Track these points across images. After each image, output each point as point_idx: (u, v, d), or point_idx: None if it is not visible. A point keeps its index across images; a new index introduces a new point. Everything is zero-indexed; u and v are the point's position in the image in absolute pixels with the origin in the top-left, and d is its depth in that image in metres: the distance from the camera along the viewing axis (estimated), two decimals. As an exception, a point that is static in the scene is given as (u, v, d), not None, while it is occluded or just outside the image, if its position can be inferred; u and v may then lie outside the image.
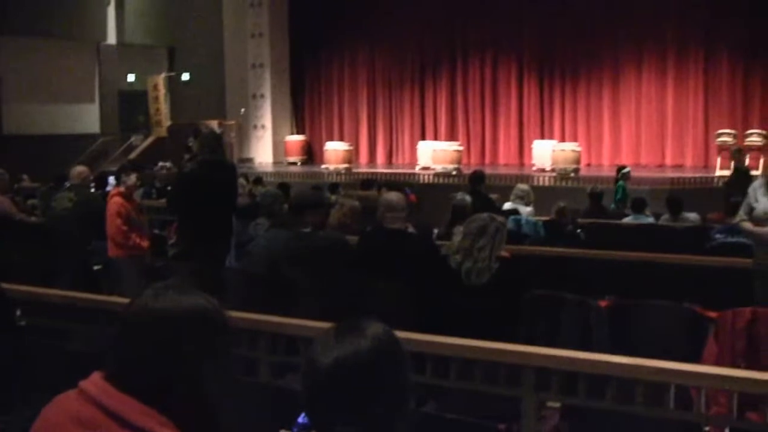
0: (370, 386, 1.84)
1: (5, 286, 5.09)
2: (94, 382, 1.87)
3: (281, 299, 5.72)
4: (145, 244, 8.91)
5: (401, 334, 2.01)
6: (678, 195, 12.53)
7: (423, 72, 23.98)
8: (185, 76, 25.32)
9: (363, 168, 22.56)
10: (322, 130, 25.36)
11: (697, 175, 18.00)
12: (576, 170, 19.12)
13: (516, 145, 22.65)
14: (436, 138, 23.02)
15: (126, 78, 26.23)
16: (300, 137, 25.22)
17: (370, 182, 14.69)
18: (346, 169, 21.73)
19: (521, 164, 22.04)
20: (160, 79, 24.58)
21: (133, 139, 25.17)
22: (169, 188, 12.06)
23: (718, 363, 4.61)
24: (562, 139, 21.22)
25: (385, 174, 20.02)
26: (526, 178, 17.60)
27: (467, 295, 5.01)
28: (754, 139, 18.10)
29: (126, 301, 2.00)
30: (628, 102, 21.25)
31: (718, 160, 18.24)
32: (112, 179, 13.25)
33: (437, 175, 19.79)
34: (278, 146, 25.04)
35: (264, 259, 6.54)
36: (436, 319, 4.99)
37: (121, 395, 1.82)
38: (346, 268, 6.19)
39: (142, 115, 25.81)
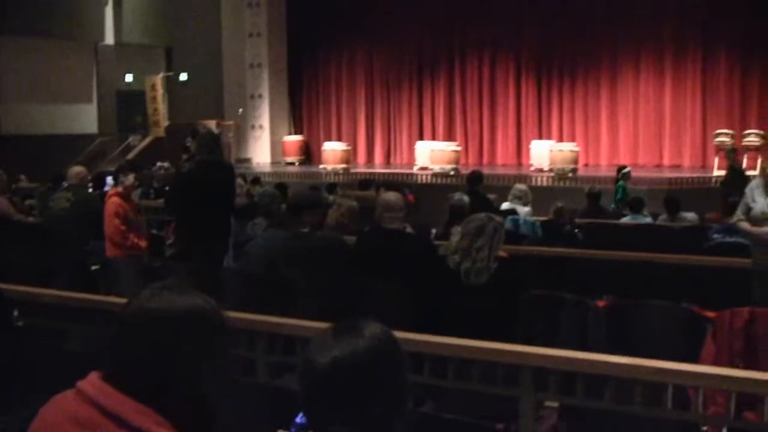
0: (367, 386, 1.84)
1: (3, 286, 5.09)
2: (92, 382, 1.87)
3: (279, 299, 5.72)
4: (143, 244, 8.90)
5: (399, 334, 2.01)
6: (676, 195, 12.54)
7: (421, 72, 24.00)
8: (183, 76, 25.30)
9: (361, 168, 22.58)
10: (320, 130, 25.37)
11: (694, 175, 18.01)
12: (574, 170, 19.14)
13: (514, 145, 22.67)
14: (434, 138, 23.05)
15: (124, 78, 26.22)
16: (298, 137, 25.23)
17: (368, 182, 14.69)
18: (344, 169, 21.74)
19: (519, 164, 22.07)
20: (158, 79, 24.58)
21: (130, 139, 25.16)
22: (167, 188, 12.06)
23: (715, 363, 4.61)
24: (560, 139, 21.24)
25: (383, 174, 20.02)
26: (524, 178, 17.60)
27: (466, 295, 5.01)
28: (752, 139, 18.13)
29: (123, 301, 2.00)
30: (626, 102, 21.28)
31: (716, 160, 18.27)
32: (109, 179, 13.23)
33: (435, 175, 19.80)
34: (276, 146, 25.05)
35: (262, 259, 6.54)
36: (434, 319, 4.99)
37: (119, 395, 1.82)
38: (344, 268, 6.19)
39: (139, 116, 25.79)
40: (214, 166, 7.75)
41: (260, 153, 25.33)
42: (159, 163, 22.01)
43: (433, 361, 4.25)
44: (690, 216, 11.29)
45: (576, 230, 10.33)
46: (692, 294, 5.93)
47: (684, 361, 3.92)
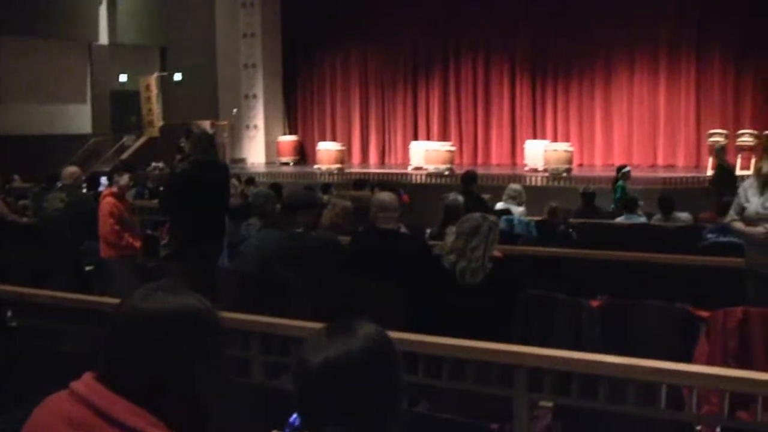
0: (361, 386, 1.83)
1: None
2: (85, 383, 1.87)
3: (273, 299, 5.72)
4: (137, 244, 8.89)
5: (393, 334, 2.01)
6: (670, 195, 12.56)
7: (415, 72, 24.00)
8: (177, 77, 25.28)
9: (355, 168, 22.57)
10: (315, 131, 25.36)
11: (688, 174, 18.05)
12: (568, 170, 19.16)
13: (508, 145, 22.69)
14: (428, 138, 23.05)
15: (118, 78, 26.18)
16: (292, 137, 25.21)
17: (362, 182, 14.69)
18: (339, 169, 21.73)
19: (513, 164, 22.08)
20: (153, 80, 24.55)
21: (125, 139, 25.12)
22: (161, 189, 12.04)
23: (709, 362, 4.62)
24: (555, 139, 21.26)
25: (378, 174, 20.02)
26: (518, 178, 17.61)
27: (461, 294, 5.02)
28: (746, 139, 18.17)
29: (118, 301, 2.00)
30: (620, 102, 21.32)
31: (710, 160, 18.28)
32: (104, 179, 13.22)
33: (430, 175, 19.80)
34: (270, 146, 25.03)
35: (256, 259, 6.54)
36: (428, 319, 4.99)
37: (112, 396, 1.82)
38: (339, 268, 6.20)
39: (134, 116, 25.75)
40: (209, 167, 7.75)
41: (255, 153, 25.32)
42: (153, 164, 21.98)
43: (428, 361, 4.25)
44: (684, 216, 11.30)
45: (570, 230, 10.34)
46: (686, 294, 5.93)
47: (678, 361, 3.93)
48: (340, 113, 25.12)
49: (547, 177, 18.84)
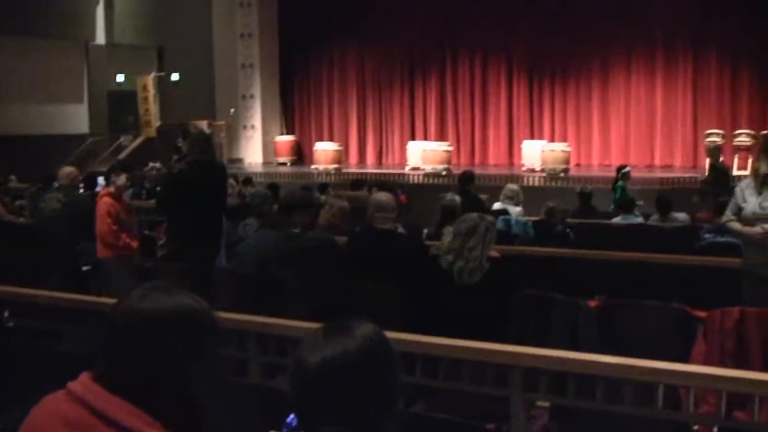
0: (358, 386, 1.84)
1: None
2: (82, 383, 1.87)
3: (271, 300, 5.72)
4: (134, 244, 8.89)
5: (390, 334, 2.01)
6: (667, 195, 12.56)
7: (413, 72, 24.00)
8: (175, 77, 25.26)
9: (353, 168, 22.57)
10: (312, 131, 25.36)
11: (686, 175, 18.06)
12: (565, 170, 19.18)
13: (505, 146, 22.69)
14: (425, 138, 23.06)
15: (115, 78, 26.15)
16: (289, 137, 25.21)
17: (359, 182, 14.68)
18: (336, 169, 21.74)
19: (511, 164, 22.09)
20: (150, 80, 24.52)
21: (122, 139, 25.09)
22: (158, 189, 12.04)
23: (706, 362, 4.62)
24: (552, 140, 21.27)
25: (375, 174, 20.02)
26: (515, 179, 17.63)
27: (459, 294, 5.02)
28: (743, 139, 18.18)
29: (114, 302, 2.00)
30: (618, 102, 21.34)
31: (708, 160, 18.29)
32: (101, 180, 13.20)
33: (427, 175, 19.81)
34: (268, 146, 25.03)
35: (253, 259, 6.54)
36: (425, 319, 4.99)
37: (109, 396, 1.82)
38: (336, 268, 6.19)
39: (131, 116, 25.71)
40: (206, 167, 7.74)
41: (252, 153, 25.31)
42: (151, 164, 21.95)
43: (425, 361, 4.25)
44: (681, 216, 11.31)
45: (567, 230, 10.35)
46: (683, 294, 5.92)
47: (675, 361, 3.93)
48: (337, 113, 25.12)
49: (544, 177, 18.86)
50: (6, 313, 5.55)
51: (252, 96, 25.25)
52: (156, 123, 24.30)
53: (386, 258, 5.92)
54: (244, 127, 25.34)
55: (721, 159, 17.51)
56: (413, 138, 23.24)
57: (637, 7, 20.56)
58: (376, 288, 5.56)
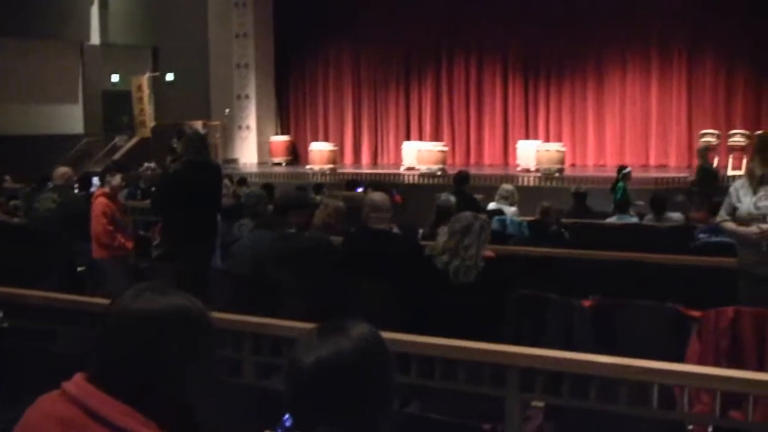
0: (353, 387, 1.83)
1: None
2: (77, 383, 1.87)
3: (266, 300, 5.72)
4: (129, 245, 8.88)
5: (386, 334, 2.01)
6: (662, 195, 12.56)
7: (408, 72, 24.00)
8: (169, 77, 25.23)
9: (348, 168, 22.56)
10: (307, 131, 25.34)
11: (681, 175, 18.08)
12: (560, 170, 19.19)
13: (501, 146, 22.70)
14: (421, 138, 23.04)
15: (110, 78, 26.13)
16: (285, 138, 25.18)
17: (355, 183, 14.68)
18: (331, 169, 21.72)
19: (506, 164, 22.09)
20: (144, 80, 24.50)
21: (117, 139, 25.05)
22: (153, 189, 12.02)
23: (701, 362, 4.63)
24: (547, 140, 21.28)
25: (370, 174, 20.01)
26: (510, 179, 17.61)
27: (455, 293, 5.03)
28: (737, 139, 18.20)
29: (109, 302, 2.00)
30: (613, 102, 21.36)
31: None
32: (96, 180, 13.19)
33: (422, 175, 19.80)
34: (263, 147, 25.01)
35: (249, 259, 6.54)
36: (421, 319, 5.00)
37: (104, 396, 1.82)
38: (331, 268, 6.19)
39: (126, 116, 25.70)
40: (201, 167, 7.73)
41: (247, 153, 25.29)
42: (146, 164, 21.93)
43: (420, 362, 4.25)
44: (676, 216, 11.32)
45: (563, 230, 10.34)
46: (678, 293, 5.93)
47: (670, 361, 3.94)
48: (332, 113, 25.11)
49: (539, 177, 18.87)
50: (0, 314, 5.54)
51: (247, 96, 25.23)
52: (151, 123, 24.27)
53: (381, 258, 5.92)
54: (239, 127, 25.32)
55: (717, 159, 17.62)
56: (408, 138, 23.23)
57: (632, 8, 20.57)
58: (371, 288, 5.56)
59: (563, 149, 19.92)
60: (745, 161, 16.78)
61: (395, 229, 6.87)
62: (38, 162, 17.94)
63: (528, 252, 8.22)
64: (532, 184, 18.31)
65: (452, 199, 8.99)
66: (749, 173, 6.28)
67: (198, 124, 21.10)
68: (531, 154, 19.98)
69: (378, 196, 6.43)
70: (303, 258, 6.17)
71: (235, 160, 24.80)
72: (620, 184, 14.33)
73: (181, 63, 25.19)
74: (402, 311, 5.21)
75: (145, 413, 1.81)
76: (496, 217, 10.12)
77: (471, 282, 5.07)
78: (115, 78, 26.23)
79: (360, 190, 13.23)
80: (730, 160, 17.86)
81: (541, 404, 4.38)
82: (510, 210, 11.02)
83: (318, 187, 15.08)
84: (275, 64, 25.60)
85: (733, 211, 6.23)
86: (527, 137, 21.68)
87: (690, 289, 6.38)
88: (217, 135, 23.13)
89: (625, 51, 21.06)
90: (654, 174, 18.84)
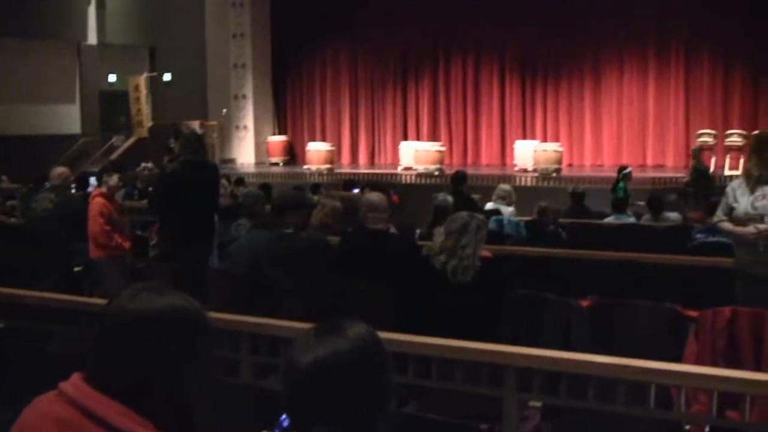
0: (351, 387, 1.83)
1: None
2: (74, 384, 1.86)
3: (263, 300, 5.71)
4: (126, 245, 8.87)
5: (383, 334, 2.01)
6: (659, 195, 12.57)
7: (405, 73, 24.00)
8: (167, 77, 25.21)
9: (345, 168, 22.56)
10: (305, 131, 25.33)
11: (678, 175, 18.09)
12: (558, 170, 19.20)
13: (498, 146, 22.71)
14: (418, 138, 23.05)
15: (107, 78, 26.09)
16: (282, 138, 25.18)
17: (352, 183, 14.67)
18: (328, 169, 21.71)
19: (503, 164, 22.10)
20: (142, 80, 24.47)
21: (114, 139, 25.02)
22: (150, 189, 12.01)
23: (698, 362, 4.63)
24: (544, 140, 21.29)
25: (368, 174, 20.01)
26: (508, 179, 17.63)
27: (452, 293, 5.04)
28: (734, 139, 18.23)
29: (106, 302, 1.99)
30: (610, 102, 21.38)
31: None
32: (93, 180, 13.16)
33: (419, 175, 19.80)
34: (260, 147, 25.00)
35: (246, 259, 6.54)
36: (418, 318, 5.00)
37: (100, 396, 1.82)
38: (328, 268, 6.19)
39: (123, 116, 25.65)
40: (198, 167, 7.73)
41: (244, 153, 25.29)
42: (143, 164, 21.88)
43: (417, 361, 4.25)
44: (673, 216, 11.33)
45: (560, 230, 10.35)
46: (675, 293, 5.93)
47: (667, 361, 3.94)
48: (329, 113, 25.10)
49: (536, 177, 18.88)
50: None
51: (244, 96, 25.22)
52: (148, 123, 24.24)
53: (379, 258, 5.92)
54: (237, 127, 25.31)
55: (714, 159, 17.64)
56: (406, 138, 23.23)
57: (630, 8, 20.59)
58: (368, 288, 5.56)
59: (560, 149, 19.93)
60: (742, 161, 16.82)
61: (392, 229, 6.87)
62: (35, 162, 17.91)
63: (525, 252, 8.22)
64: (529, 184, 18.32)
65: (449, 199, 9.00)
66: (746, 173, 6.28)
67: (195, 124, 21.09)
68: (528, 154, 19.99)
69: (375, 196, 6.43)
70: (300, 258, 6.17)
71: (232, 160, 24.79)
72: (621, 184, 14.34)
73: (179, 63, 25.18)
74: (399, 311, 5.21)
75: (143, 413, 1.81)
76: (494, 217, 10.12)
77: (468, 282, 5.07)
78: (112, 78, 26.21)
79: (357, 190, 13.22)
80: (727, 160, 17.88)
81: (538, 404, 4.38)
82: (507, 210, 11.03)
83: (315, 187, 15.07)
84: (272, 64, 25.59)
85: (730, 211, 6.23)
86: (524, 137, 21.69)
87: (687, 289, 6.38)
88: (215, 135, 23.11)
89: (623, 51, 21.07)
90: (651, 174, 18.85)
